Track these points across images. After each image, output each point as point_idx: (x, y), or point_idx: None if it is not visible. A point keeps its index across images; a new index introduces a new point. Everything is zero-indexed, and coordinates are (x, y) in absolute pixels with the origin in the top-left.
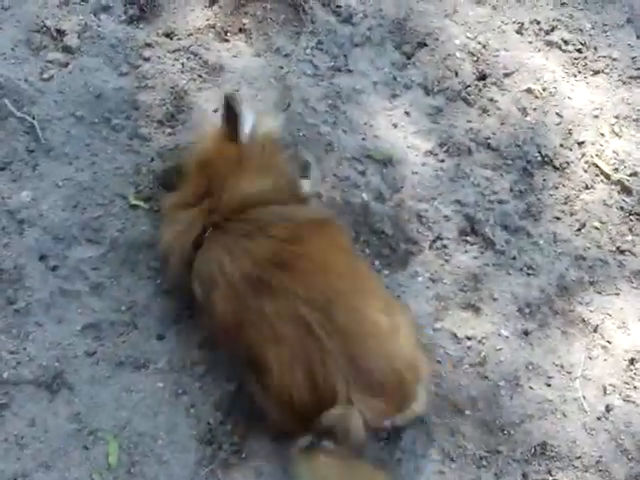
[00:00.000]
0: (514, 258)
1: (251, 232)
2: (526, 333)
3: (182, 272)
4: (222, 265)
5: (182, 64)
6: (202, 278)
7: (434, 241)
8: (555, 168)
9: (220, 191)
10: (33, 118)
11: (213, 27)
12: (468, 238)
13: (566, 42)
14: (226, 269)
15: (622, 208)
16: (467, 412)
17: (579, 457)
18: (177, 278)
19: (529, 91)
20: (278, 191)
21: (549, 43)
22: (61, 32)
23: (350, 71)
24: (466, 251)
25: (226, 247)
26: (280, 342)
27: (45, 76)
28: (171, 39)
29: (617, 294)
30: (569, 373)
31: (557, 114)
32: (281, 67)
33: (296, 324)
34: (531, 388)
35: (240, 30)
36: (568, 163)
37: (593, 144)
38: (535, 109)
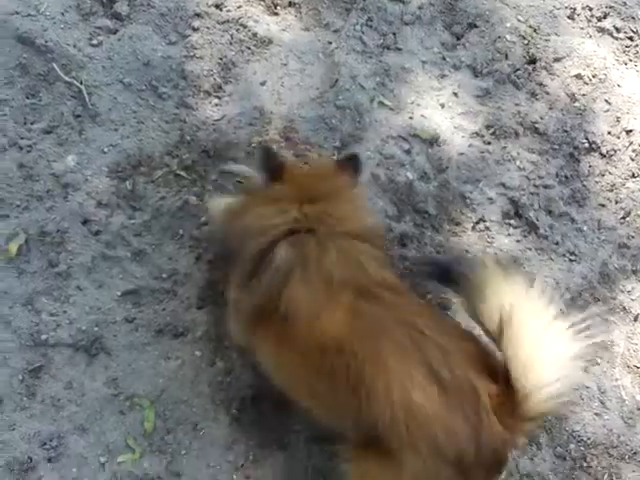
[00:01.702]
0: (557, 243)
1: (359, 248)
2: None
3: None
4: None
5: (231, 35)
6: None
7: (477, 223)
8: (602, 155)
9: (325, 205)
10: (81, 83)
11: (263, 0)
12: (511, 222)
13: (618, 29)
14: (328, 267)
15: None
16: None
17: (616, 446)
18: (227, 252)
19: (579, 77)
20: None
21: (601, 30)
22: None
23: (399, 49)
24: (509, 234)
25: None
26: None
27: (94, 42)
28: (220, 10)
29: None
30: (608, 362)
31: (606, 101)
32: (330, 42)
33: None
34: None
35: (290, 4)
36: (615, 151)
37: None
38: (584, 95)
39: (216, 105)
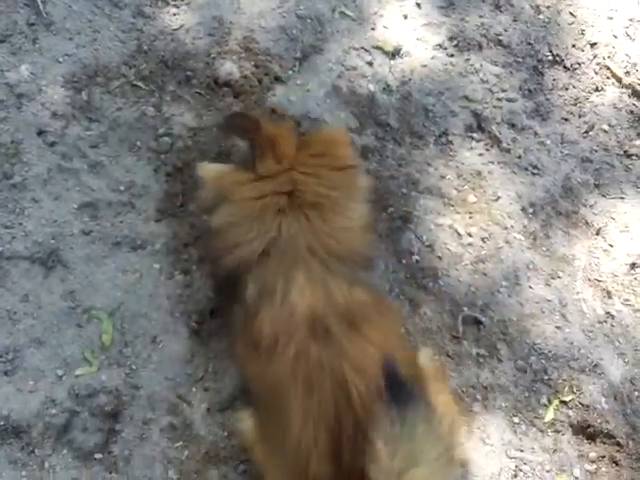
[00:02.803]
0: (520, 157)
1: (332, 268)
2: (529, 233)
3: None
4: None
5: None
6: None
7: (439, 136)
8: (566, 68)
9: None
10: None
11: None
12: (474, 135)
13: None
14: (293, 298)
15: (632, 112)
16: (465, 309)
17: (576, 359)
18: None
19: None
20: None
21: None
22: None
23: None
24: (471, 148)
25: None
26: (312, 393)
27: None
28: None
29: (622, 198)
30: (570, 275)
31: (571, 13)
32: None
33: (338, 384)
34: (531, 288)
35: None
36: (579, 64)
37: (606, 46)
38: (548, 7)
39: (174, 14)
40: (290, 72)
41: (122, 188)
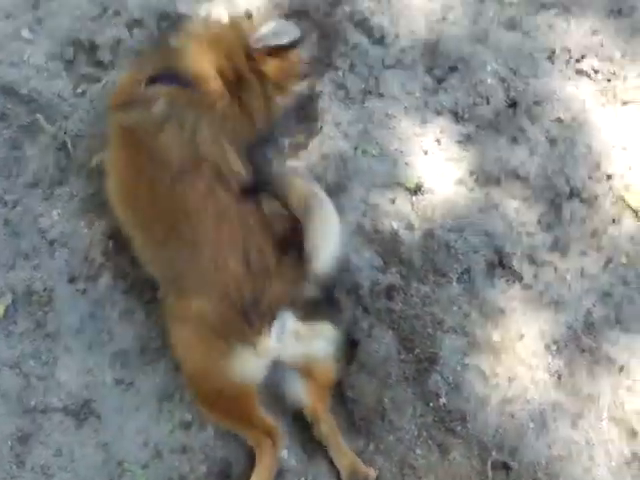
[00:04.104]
0: (541, 293)
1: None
2: (553, 371)
3: None
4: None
5: None
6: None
7: (462, 274)
8: (583, 201)
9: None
10: (65, 133)
11: None
12: (496, 271)
13: (596, 71)
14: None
15: None
16: (494, 453)
17: None
18: None
19: (559, 120)
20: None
21: (579, 71)
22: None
23: (381, 95)
24: (493, 285)
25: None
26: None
27: (78, 91)
28: None
29: None
30: (595, 414)
31: (586, 145)
32: None
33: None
34: (558, 429)
35: None
36: (596, 196)
37: (622, 177)
38: (564, 139)
39: None
40: None
41: (153, 335)
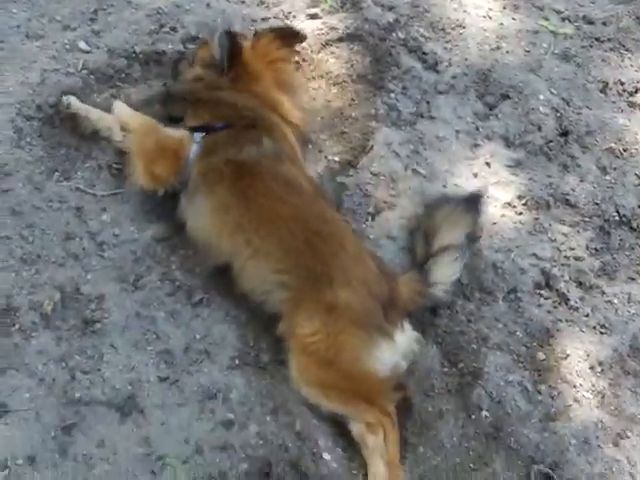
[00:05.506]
0: (587, 315)
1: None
2: (597, 391)
3: None
4: None
5: None
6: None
7: (508, 293)
8: (632, 229)
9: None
10: None
11: None
12: (542, 292)
13: None
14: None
15: None
16: (535, 467)
17: None
18: None
19: (610, 150)
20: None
21: (632, 104)
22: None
23: (433, 118)
24: (540, 305)
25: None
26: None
27: None
28: None
29: None
30: (638, 435)
31: (637, 175)
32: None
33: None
34: (600, 447)
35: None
36: None
37: None
38: (615, 169)
39: None
40: (363, 226)
41: (198, 336)
